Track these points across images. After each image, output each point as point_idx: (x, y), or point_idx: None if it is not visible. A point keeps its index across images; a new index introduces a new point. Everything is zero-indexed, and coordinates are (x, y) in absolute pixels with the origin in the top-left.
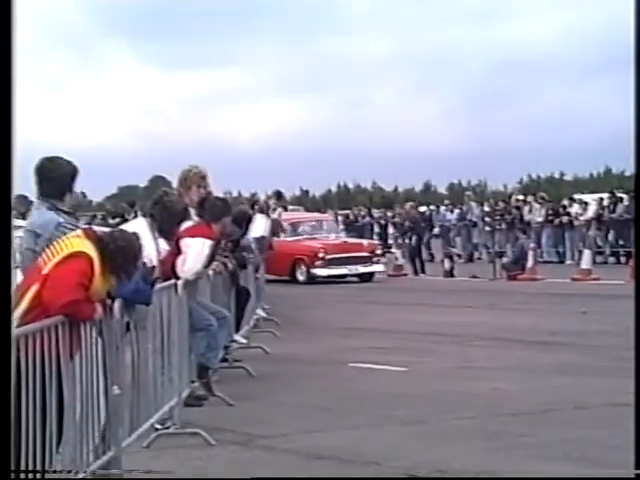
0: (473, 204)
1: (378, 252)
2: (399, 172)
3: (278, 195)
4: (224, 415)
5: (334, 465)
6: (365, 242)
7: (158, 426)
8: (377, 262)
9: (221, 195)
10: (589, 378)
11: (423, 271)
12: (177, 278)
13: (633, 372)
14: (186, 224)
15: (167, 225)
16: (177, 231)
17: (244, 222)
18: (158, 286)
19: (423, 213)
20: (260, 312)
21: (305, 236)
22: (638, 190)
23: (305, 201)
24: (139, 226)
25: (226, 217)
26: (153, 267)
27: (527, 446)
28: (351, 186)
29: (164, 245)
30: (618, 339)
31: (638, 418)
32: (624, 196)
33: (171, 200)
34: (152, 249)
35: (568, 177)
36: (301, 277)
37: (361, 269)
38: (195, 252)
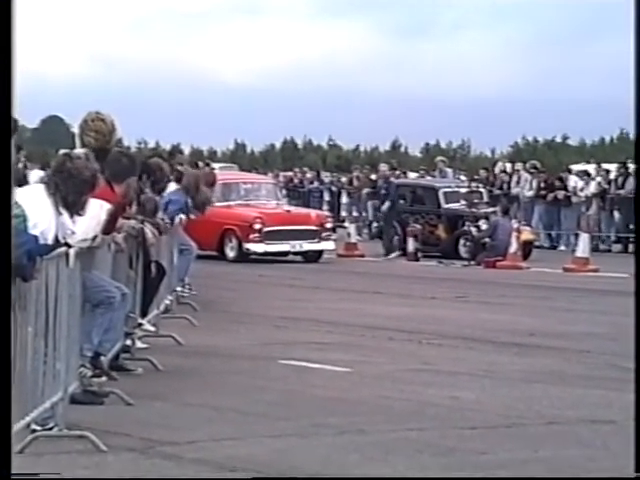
0: (449, 171)
1: (328, 226)
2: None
3: (170, 154)
4: (120, 416)
5: (249, 479)
6: (313, 213)
7: (36, 427)
8: (326, 238)
9: (131, 148)
10: (569, 389)
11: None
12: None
13: (633, 373)
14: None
15: (72, 196)
16: (86, 203)
17: (160, 179)
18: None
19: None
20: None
21: (238, 202)
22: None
23: (240, 158)
24: (35, 196)
25: (132, 177)
26: (46, 245)
27: (485, 465)
28: (300, 142)
29: (69, 224)
30: (610, 344)
31: (638, 418)
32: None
33: (77, 167)
34: (51, 224)
35: (572, 142)
36: (231, 253)
37: (306, 246)
38: (90, 216)
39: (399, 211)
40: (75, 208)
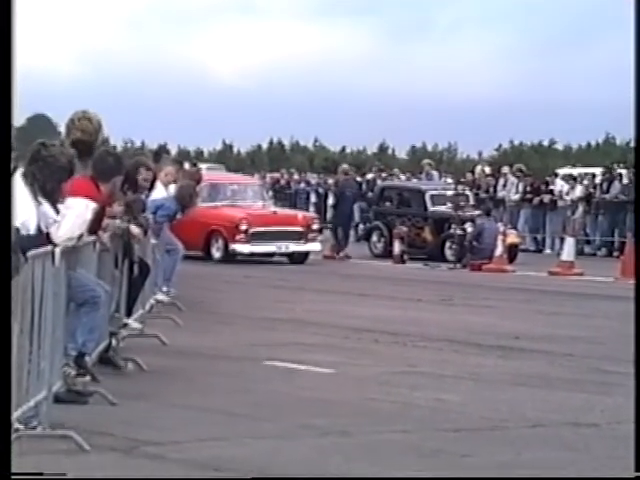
0: (435, 174)
1: (314, 227)
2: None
3: (156, 154)
4: (104, 416)
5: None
6: (299, 214)
7: (19, 425)
8: (313, 240)
9: (117, 147)
10: (553, 392)
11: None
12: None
13: (617, 376)
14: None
15: (50, 184)
16: (63, 190)
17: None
18: (31, 253)
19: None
20: (161, 296)
21: (224, 203)
22: (638, 171)
23: (227, 159)
24: (14, 187)
25: (117, 176)
26: (29, 236)
27: (467, 468)
28: (287, 143)
29: (51, 212)
30: (595, 347)
31: (638, 418)
32: (623, 172)
33: (52, 154)
34: (31, 214)
35: (559, 146)
36: (217, 253)
37: (292, 247)
38: (75, 214)
39: (385, 213)
40: (54, 195)
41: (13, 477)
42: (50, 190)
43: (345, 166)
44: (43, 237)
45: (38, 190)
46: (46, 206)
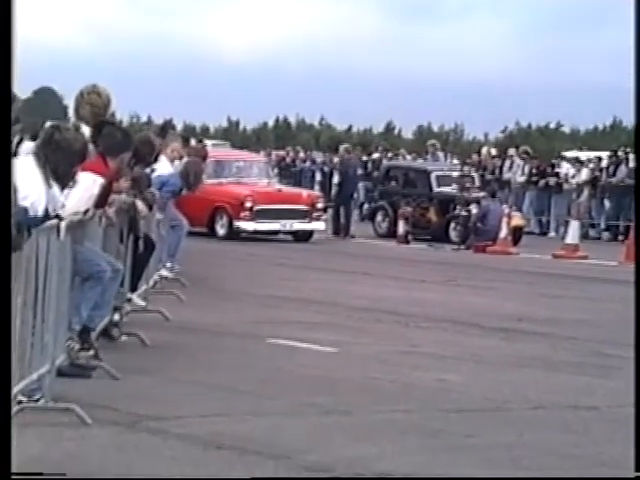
0: (440, 155)
1: (319, 206)
2: (354, 109)
3: (162, 129)
4: (107, 390)
5: (235, 456)
6: (304, 192)
7: (23, 398)
8: (317, 218)
9: (124, 122)
10: (555, 374)
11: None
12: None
13: (618, 360)
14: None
15: (62, 168)
16: (75, 174)
17: (148, 153)
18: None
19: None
20: (165, 271)
21: (229, 179)
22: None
23: (233, 135)
24: (25, 168)
25: (125, 152)
26: (36, 217)
27: (469, 448)
28: (293, 121)
29: (60, 196)
30: (597, 331)
31: (638, 418)
32: (630, 156)
33: (66, 137)
34: (41, 196)
35: (566, 128)
36: (221, 230)
37: (297, 225)
38: (83, 188)
39: (390, 193)
40: (65, 180)
41: (13, 477)
42: (62, 174)
43: (345, 145)
44: (49, 219)
45: (50, 173)
46: (56, 189)
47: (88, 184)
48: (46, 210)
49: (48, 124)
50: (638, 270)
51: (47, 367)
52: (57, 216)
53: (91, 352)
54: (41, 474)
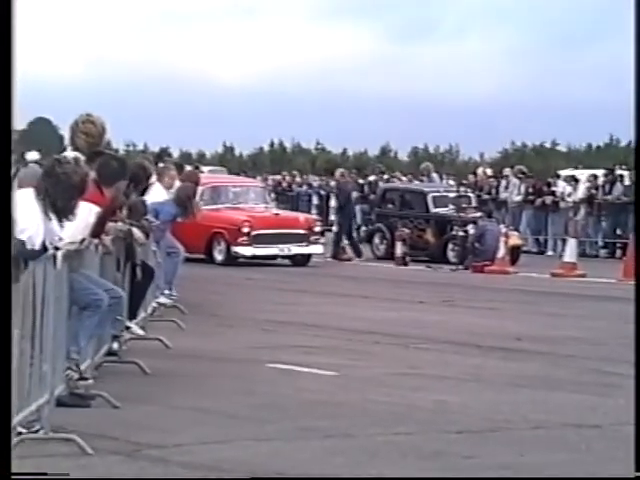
0: (435, 176)
1: (317, 230)
2: (350, 132)
3: (158, 157)
4: (107, 419)
5: None
6: (301, 216)
7: (22, 429)
8: (315, 242)
9: (119, 150)
10: (554, 393)
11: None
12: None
13: (618, 378)
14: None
15: (61, 202)
16: (75, 208)
17: (142, 179)
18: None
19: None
20: (163, 299)
21: (226, 205)
22: (639, 173)
23: (229, 161)
24: (24, 200)
25: (121, 181)
26: (33, 250)
27: (469, 469)
28: (288, 145)
29: (57, 230)
30: (597, 349)
31: (638, 418)
32: (625, 173)
33: (66, 171)
34: (39, 229)
35: (561, 147)
36: (219, 256)
37: (295, 250)
38: (79, 219)
39: (387, 215)
40: (64, 213)
41: (13, 477)
42: (61, 207)
43: (341, 170)
44: (46, 253)
45: (49, 206)
46: (54, 222)
47: (84, 214)
48: (43, 243)
49: (51, 159)
50: (638, 287)
51: (46, 397)
52: (55, 248)
53: (90, 381)
54: (45, 474)
